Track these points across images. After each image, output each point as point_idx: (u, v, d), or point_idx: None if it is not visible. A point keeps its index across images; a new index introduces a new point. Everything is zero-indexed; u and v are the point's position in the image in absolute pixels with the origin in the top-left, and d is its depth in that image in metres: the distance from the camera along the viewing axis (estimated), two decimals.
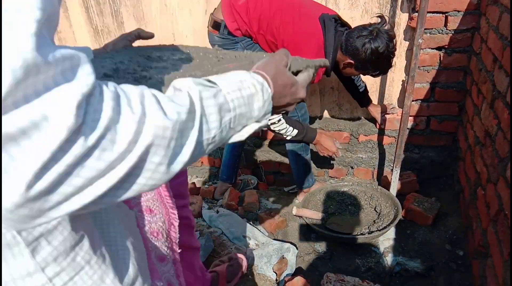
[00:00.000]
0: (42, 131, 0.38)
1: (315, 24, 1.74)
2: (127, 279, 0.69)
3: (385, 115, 2.29)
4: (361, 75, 2.07)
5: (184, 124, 0.51)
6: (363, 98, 2.22)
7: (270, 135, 2.56)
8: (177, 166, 0.51)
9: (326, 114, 2.46)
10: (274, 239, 2.03)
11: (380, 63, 1.75)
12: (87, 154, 0.42)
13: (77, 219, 0.60)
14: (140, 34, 0.99)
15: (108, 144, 0.43)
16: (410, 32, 2.06)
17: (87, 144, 0.41)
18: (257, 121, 0.64)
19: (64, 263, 0.59)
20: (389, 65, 1.80)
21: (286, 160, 2.56)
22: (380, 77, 2.24)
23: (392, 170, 2.15)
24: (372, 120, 2.37)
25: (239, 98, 0.59)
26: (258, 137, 2.52)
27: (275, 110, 0.70)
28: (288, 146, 2.18)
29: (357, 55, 1.72)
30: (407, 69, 2.16)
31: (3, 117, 0.36)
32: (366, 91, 2.20)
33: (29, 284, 0.57)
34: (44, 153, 0.39)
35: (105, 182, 0.45)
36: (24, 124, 0.37)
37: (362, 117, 2.42)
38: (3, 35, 0.35)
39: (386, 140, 2.36)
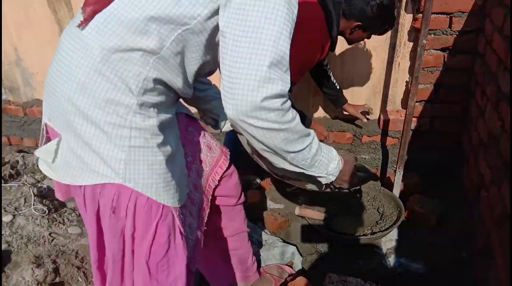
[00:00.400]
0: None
1: (312, 3, 1.70)
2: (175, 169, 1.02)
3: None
4: (366, 40, 1.96)
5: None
6: (340, 97, 2.18)
7: None
8: (290, 148, 0.97)
9: (329, 114, 2.46)
10: (277, 239, 2.03)
11: (388, 17, 1.71)
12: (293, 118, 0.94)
13: (169, 125, 1.01)
14: None
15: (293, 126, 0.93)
16: (414, 33, 2.06)
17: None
18: (326, 174, 1.10)
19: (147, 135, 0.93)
20: (395, 16, 1.75)
21: None
22: (383, 78, 2.24)
23: (395, 171, 2.14)
24: (375, 121, 2.37)
25: (327, 159, 1.09)
26: None
27: (336, 180, 1.14)
28: None
29: (364, 16, 1.67)
30: (411, 70, 2.15)
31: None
32: (341, 89, 2.18)
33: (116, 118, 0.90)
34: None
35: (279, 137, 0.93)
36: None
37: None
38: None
39: (389, 141, 2.35)
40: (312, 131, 1.03)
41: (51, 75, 0.96)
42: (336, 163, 1.11)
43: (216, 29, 0.93)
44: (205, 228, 1.23)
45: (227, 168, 1.29)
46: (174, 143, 1.02)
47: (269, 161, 1.06)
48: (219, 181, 1.27)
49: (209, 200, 1.25)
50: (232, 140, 2.28)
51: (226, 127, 1.35)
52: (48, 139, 1.02)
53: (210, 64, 1.03)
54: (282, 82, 0.87)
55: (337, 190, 1.24)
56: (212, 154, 1.26)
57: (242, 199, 1.44)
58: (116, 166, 0.92)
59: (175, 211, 1.03)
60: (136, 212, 0.97)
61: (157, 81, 0.94)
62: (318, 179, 1.12)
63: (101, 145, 0.90)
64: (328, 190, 1.25)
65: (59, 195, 1.15)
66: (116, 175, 0.92)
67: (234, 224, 1.46)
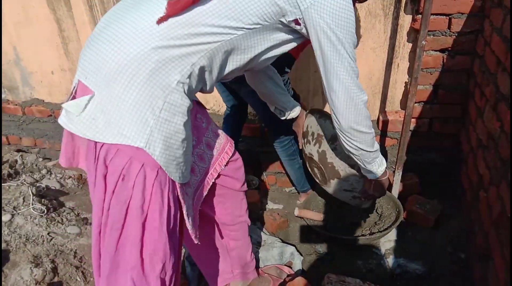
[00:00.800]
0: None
1: None
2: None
3: (387, 117, 2.29)
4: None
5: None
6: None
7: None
8: (368, 148, 1.36)
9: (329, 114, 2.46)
10: (276, 239, 2.03)
11: None
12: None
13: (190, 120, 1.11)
14: None
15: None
16: (414, 34, 2.06)
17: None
18: (375, 171, 1.46)
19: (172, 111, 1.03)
20: None
21: None
22: (383, 79, 2.24)
23: (394, 171, 2.15)
24: (375, 121, 2.37)
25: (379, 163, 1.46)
26: (260, 138, 2.52)
27: (376, 182, 1.53)
28: (280, 153, 2.17)
29: None
30: (410, 71, 2.15)
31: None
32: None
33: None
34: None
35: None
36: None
37: None
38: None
39: (388, 141, 2.35)
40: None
41: (99, 39, 1.03)
42: (384, 168, 1.48)
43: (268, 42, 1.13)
44: (200, 208, 1.31)
45: (233, 154, 1.39)
46: (189, 127, 1.12)
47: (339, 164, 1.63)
48: (225, 165, 1.36)
49: (209, 184, 1.32)
50: (229, 130, 2.28)
51: (290, 116, 1.72)
52: (74, 97, 1.06)
53: (240, 70, 1.21)
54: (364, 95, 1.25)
55: (368, 200, 1.69)
56: (219, 141, 1.36)
57: (245, 187, 1.50)
58: (143, 130, 0.99)
59: (179, 187, 1.11)
60: (146, 184, 1.03)
61: (202, 69, 1.07)
62: (368, 174, 1.49)
63: (134, 109, 0.99)
64: (363, 201, 1.69)
65: (62, 161, 1.20)
66: (140, 138, 0.99)
67: (236, 211, 1.51)
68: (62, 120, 1.07)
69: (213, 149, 1.33)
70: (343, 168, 1.63)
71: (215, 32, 1.02)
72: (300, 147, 1.85)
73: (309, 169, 1.82)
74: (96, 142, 1.02)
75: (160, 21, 0.99)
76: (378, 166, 1.45)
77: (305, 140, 1.77)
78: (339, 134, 1.33)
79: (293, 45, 1.21)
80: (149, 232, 1.08)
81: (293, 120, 1.88)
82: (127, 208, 1.04)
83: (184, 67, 1.03)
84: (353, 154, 1.38)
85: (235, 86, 1.94)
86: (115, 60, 0.99)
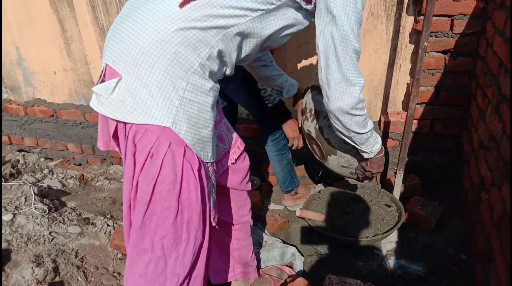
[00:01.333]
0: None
1: None
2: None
3: (389, 118, 2.29)
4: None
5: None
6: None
7: None
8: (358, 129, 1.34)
9: None
10: (277, 240, 2.03)
11: None
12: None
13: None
14: None
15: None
16: (416, 35, 2.06)
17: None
18: (370, 151, 1.48)
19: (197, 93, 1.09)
20: None
21: None
22: (384, 80, 2.24)
23: (395, 173, 2.14)
24: (376, 122, 2.37)
25: (374, 141, 1.47)
26: (261, 138, 2.53)
27: (373, 159, 1.52)
28: (270, 147, 2.15)
29: None
30: (412, 72, 2.15)
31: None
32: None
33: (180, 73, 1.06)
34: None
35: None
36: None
37: None
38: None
39: (390, 143, 2.35)
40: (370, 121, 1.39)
41: (124, 24, 1.08)
42: (379, 146, 1.48)
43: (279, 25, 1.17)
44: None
45: (242, 152, 1.43)
46: (212, 108, 1.17)
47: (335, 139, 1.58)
48: (236, 160, 1.40)
49: (217, 176, 1.35)
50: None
51: (288, 94, 1.78)
52: (103, 81, 1.11)
53: (256, 52, 1.25)
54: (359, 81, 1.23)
55: (366, 175, 1.65)
56: (231, 135, 1.41)
57: (250, 186, 1.52)
58: (169, 110, 1.04)
59: (204, 165, 1.16)
60: (176, 161, 1.08)
61: (220, 52, 1.11)
62: (363, 153, 1.48)
63: (160, 90, 1.04)
64: (361, 177, 1.68)
65: (100, 144, 1.25)
66: (167, 118, 1.04)
67: (239, 211, 1.53)
68: (93, 103, 1.12)
69: (225, 142, 1.37)
70: (338, 144, 1.63)
71: (233, 14, 1.07)
72: (299, 125, 1.86)
73: (309, 146, 1.83)
74: (125, 123, 1.07)
75: (183, 4, 1.04)
76: (372, 146, 1.44)
77: (304, 117, 1.77)
78: (330, 115, 1.33)
79: (305, 24, 1.24)
80: (185, 205, 1.13)
81: (282, 114, 1.91)
82: (155, 184, 1.09)
83: (204, 50, 1.07)
84: (344, 135, 1.39)
85: (222, 84, 1.94)
86: (140, 43, 1.03)
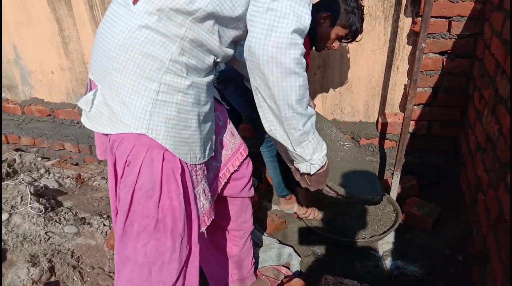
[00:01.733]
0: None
1: None
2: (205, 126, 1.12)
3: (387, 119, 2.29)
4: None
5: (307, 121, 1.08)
6: None
7: None
8: (295, 103, 1.01)
9: (328, 117, 2.46)
10: (274, 240, 2.03)
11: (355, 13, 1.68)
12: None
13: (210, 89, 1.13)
14: None
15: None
16: (413, 36, 2.07)
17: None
18: (308, 161, 1.16)
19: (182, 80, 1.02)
20: (362, 19, 1.73)
21: None
22: (382, 81, 2.25)
23: (392, 174, 2.15)
24: (374, 123, 2.37)
25: (314, 146, 1.14)
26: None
27: (315, 175, 1.21)
28: (264, 153, 2.12)
29: (335, 7, 1.67)
30: (410, 73, 2.16)
31: None
32: None
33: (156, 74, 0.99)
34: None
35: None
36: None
37: (364, 120, 2.42)
38: None
39: (387, 144, 2.35)
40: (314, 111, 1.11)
41: (99, 36, 1.07)
42: (322, 156, 1.16)
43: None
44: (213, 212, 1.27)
45: (245, 158, 1.39)
46: (208, 106, 1.11)
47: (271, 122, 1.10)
48: (238, 167, 1.36)
49: (222, 184, 1.33)
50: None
51: None
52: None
53: (244, 36, 1.05)
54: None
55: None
56: (234, 141, 1.36)
57: (252, 192, 1.49)
58: (142, 116, 1.00)
59: (190, 169, 1.10)
60: (154, 167, 1.03)
61: (193, 42, 1.01)
62: (299, 165, 1.19)
63: (131, 96, 0.99)
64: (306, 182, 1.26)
65: (98, 154, 1.26)
66: (141, 125, 1.00)
67: (241, 217, 1.51)
68: (82, 118, 1.12)
69: (227, 149, 1.33)
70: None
71: None
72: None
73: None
74: (106, 134, 1.06)
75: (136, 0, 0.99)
76: (312, 151, 1.14)
77: None
78: (253, 73, 1.03)
79: None
80: (167, 213, 1.08)
81: None
82: (133, 192, 1.06)
83: (173, 44, 0.99)
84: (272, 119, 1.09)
85: (220, 86, 1.93)
86: (107, 50, 1.01)
